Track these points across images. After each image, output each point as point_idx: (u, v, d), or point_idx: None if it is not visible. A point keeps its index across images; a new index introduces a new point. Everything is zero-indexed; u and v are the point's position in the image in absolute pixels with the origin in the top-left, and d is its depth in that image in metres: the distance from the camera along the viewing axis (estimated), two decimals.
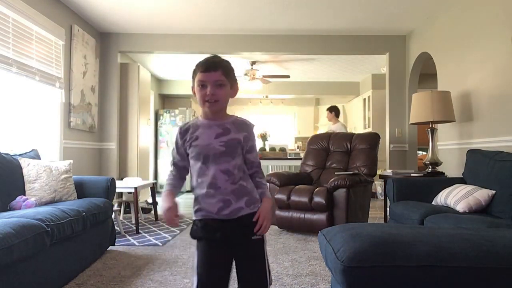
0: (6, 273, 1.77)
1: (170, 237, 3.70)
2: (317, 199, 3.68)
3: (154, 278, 2.50)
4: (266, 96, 9.31)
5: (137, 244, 3.45)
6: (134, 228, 4.00)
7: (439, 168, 3.89)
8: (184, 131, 1.39)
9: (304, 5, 4.24)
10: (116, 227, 3.48)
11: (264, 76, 7.26)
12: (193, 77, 1.37)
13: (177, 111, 8.12)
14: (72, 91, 4.33)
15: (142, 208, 5.09)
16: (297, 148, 9.46)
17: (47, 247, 2.08)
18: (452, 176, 3.62)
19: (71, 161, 3.24)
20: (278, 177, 4.10)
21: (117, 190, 3.60)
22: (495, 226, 2.10)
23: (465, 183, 3.01)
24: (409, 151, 5.21)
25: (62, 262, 2.32)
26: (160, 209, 1.36)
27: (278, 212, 3.95)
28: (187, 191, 7.55)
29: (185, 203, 6.09)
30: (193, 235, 1.38)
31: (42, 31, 3.75)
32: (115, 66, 5.22)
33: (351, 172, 3.97)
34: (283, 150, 7.44)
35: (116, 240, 3.37)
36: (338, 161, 4.44)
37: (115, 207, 3.66)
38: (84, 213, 2.57)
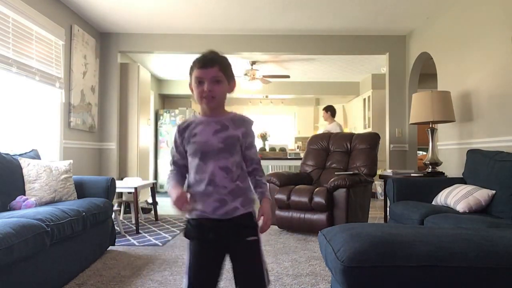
0: (6, 273, 1.77)
1: (170, 237, 3.70)
2: (317, 199, 3.68)
3: (154, 278, 2.50)
4: (266, 96, 9.31)
5: (137, 244, 3.45)
6: (134, 228, 4.00)
7: (439, 168, 3.89)
8: (182, 129, 1.38)
9: (304, 5, 4.24)
10: (116, 227, 3.48)
11: (264, 76, 7.26)
12: (190, 74, 1.36)
13: (177, 111, 8.12)
14: (72, 91, 4.33)
15: (142, 208, 5.09)
16: (297, 148, 9.46)
17: (47, 247, 2.08)
18: (452, 176, 3.62)
19: (71, 161, 3.24)
20: (278, 177, 4.10)
21: (117, 190, 3.60)
22: (495, 226, 2.10)
23: (465, 183, 3.01)
24: (409, 151, 5.21)
25: (62, 262, 2.32)
26: (169, 202, 1.32)
27: (278, 212, 3.95)
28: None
29: None
30: (186, 234, 1.37)
31: (42, 31, 3.75)
32: (115, 66, 5.22)
33: (351, 172, 3.97)
34: (283, 150, 7.44)
35: (116, 240, 3.37)
36: (338, 161, 4.44)
37: (115, 207, 3.66)
38: (84, 213, 2.57)
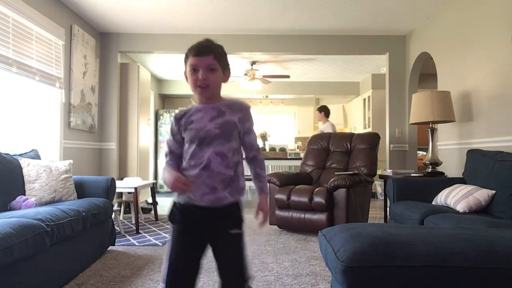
0: (6, 273, 1.77)
1: (170, 237, 3.69)
2: (317, 199, 3.68)
3: (154, 278, 2.49)
4: (266, 96, 9.31)
5: (137, 244, 3.45)
6: (134, 228, 4.00)
7: (439, 168, 3.89)
8: (179, 117, 1.38)
9: (304, 5, 4.24)
10: (116, 227, 3.48)
11: (264, 76, 7.26)
12: (185, 61, 1.37)
13: (177, 111, 8.09)
14: (72, 91, 4.33)
15: (142, 208, 5.09)
16: (297, 148, 9.46)
17: (47, 247, 2.08)
18: (452, 176, 3.62)
19: (71, 161, 3.24)
20: (278, 177, 4.10)
21: (117, 190, 3.60)
22: (495, 226, 2.10)
23: (465, 183, 3.01)
24: (409, 151, 5.21)
25: (62, 262, 2.32)
26: (165, 184, 1.32)
27: (278, 212, 3.95)
28: None
29: None
30: (170, 219, 1.37)
31: (42, 31, 3.75)
32: (115, 66, 5.22)
33: (351, 172, 3.97)
34: (283, 150, 7.44)
35: (116, 240, 3.37)
36: (338, 161, 4.44)
37: (115, 207, 3.66)
38: (84, 213, 2.57)
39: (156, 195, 4.81)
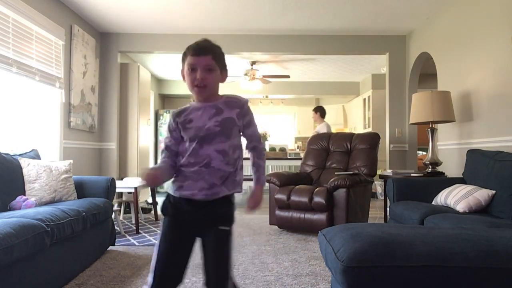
0: (6, 273, 1.77)
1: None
2: (317, 199, 3.68)
3: None
4: (266, 96, 9.30)
5: (137, 244, 3.45)
6: (134, 228, 4.00)
7: (439, 168, 3.90)
8: (177, 114, 1.39)
9: (304, 5, 4.24)
10: (116, 227, 3.48)
11: (264, 76, 7.25)
12: (183, 60, 1.37)
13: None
14: (72, 91, 4.34)
15: (142, 208, 5.09)
16: (297, 148, 9.45)
17: (47, 247, 2.08)
18: (452, 176, 3.62)
19: (71, 161, 3.24)
20: (278, 177, 4.10)
21: (117, 190, 3.60)
22: (495, 226, 2.10)
23: (465, 183, 3.01)
24: (409, 151, 5.21)
25: (62, 262, 2.32)
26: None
27: (278, 212, 3.95)
28: None
29: None
30: (162, 211, 1.39)
31: (42, 31, 3.75)
32: (115, 66, 5.22)
33: (351, 172, 3.97)
34: (283, 150, 7.44)
35: (116, 240, 3.37)
36: (338, 161, 4.44)
37: (115, 207, 3.66)
38: (84, 213, 2.57)
39: (156, 195, 4.81)
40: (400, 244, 1.36)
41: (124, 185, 4.06)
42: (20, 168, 2.81)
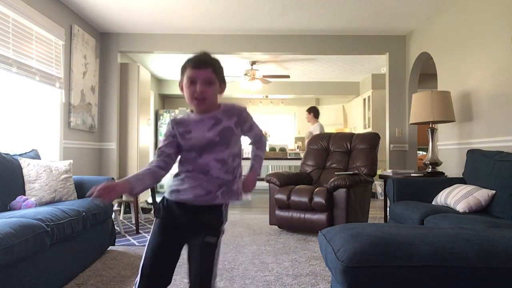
0: (6, 273, 1.77)
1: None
2: (317, 199, 3.68)
3: None
4: (266, 96, 9.30)
5: (137, 244, 3.45)
6: (134, 228, 4.00)
7: (439, 168, 3.89)
8: (177, 123, 1.39)
9: (304, 5, 4.24)
10: (116, 227, 3.48)
11: (264, 76, 7.26)
12: (182, 72, 1.38)
13: (177, 111, 8.12)
14: (72, 91, 4.34)
15: (142, 208, 5.09)
16: (297, 148, 9.45)
17: (47, 247, 2.08)
18: (452, 176, 3.62)
19: (71, 161, 3.24)
20: (278, 177, 4.10)
21: None
22: (495, 226, 2.10)
23: (465, 183, 3.01)
24: (409, 151, 5.21)
25: (62, 262, 2.32)
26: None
27: (278, 212, 3.95)
28: None
29: None
30: (155, 212, 1.41)
31: (42, 31, 3.75)
32: (115, 66, 5.22)
33: (351, 172, 3.97)
34: (283, 150, 7.44)
35: (116, 240, 3.37)
36: (338, 161, 4.44)
37: (115, 207, 3.66)
38: (84, 213, 2.57)
39: (156, 195, 4.80)
40: (400, 244, 1.36)
41: None
42: (20, 168, 2.81)
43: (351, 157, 4.39)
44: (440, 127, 4.28)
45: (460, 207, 2.63)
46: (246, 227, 4.19)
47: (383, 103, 6.02)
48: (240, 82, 7.51)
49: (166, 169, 1.37)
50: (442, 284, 1.28)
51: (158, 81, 8.37)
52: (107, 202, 1.29)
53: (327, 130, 7.85)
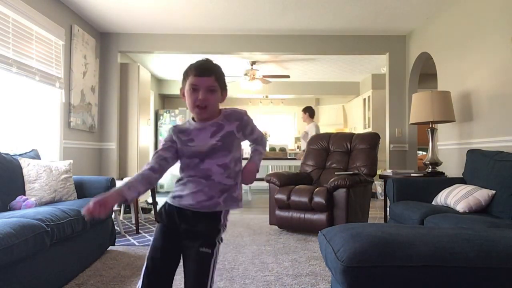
0: (6, 273, 1.77)
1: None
2: (317, 199, 3.68)
3: None
4: (266, 96, 9.31)
5: (137, 244, 3.45)
6: (134, 228, 4.00)
7: (439, 168, 3.89)
8: (179, 130, 1.39)
9: (304, 5, 4.24)
10: (116, 227, 3.48)
11: (264, 76, 7.25)
12: (184, 79, 1.37)
13: (177, 111, 8.12)
14: (72, 91, 4.34)
15: (142, 208, 5.09)
16: (297, 148, 9.46)
17: (47, 247, 2.08)
18: (452, 176, 3.62)
19: (71, 161, 3.24)
20: (278, 177, 4.10)
21: None
22: (495, 226, 2.10)
23: (465, 183, 3.01)
24: (409, 151, 5.21)
25: (62, 262, 2.32)
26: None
27: (278, 212, 3.95)
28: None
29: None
30: (157, 217, 1.41)
31: (42, 31, 3.75)
32: (115, 66, 5.22)
33: (351, 172, 3.97)
34: (283, 150, 7.44)
35: (116, 240, 3.37)
36: (338, 161, 4.44)
37: (115, 207, 3.66)
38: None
39: (156, 195, 4.80)
40: (400, 244, 1.36)
41: None
42: (20, 168, 2.81)
43: (351, 157, 4.39)
44: (440, 127, 4.28)
45: (460, 207, 2.63)
46: (246, 227, 4.19)
47: (383, 103, 6.02)
48: (240, 82, 7.51)
49: (161, 172, 1.36)
50: (442, 284, 1.28)
51: (158, 81, 8.37)
52: (103, 217, 1.27)
53: (327, 130, 7.86)
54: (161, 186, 7.89)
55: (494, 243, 1.38)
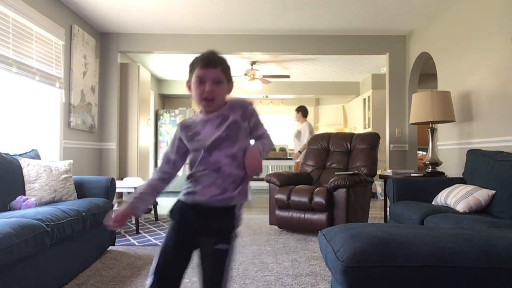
0: (6, 273, 1.77)
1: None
2: (317, 199, 3.68)
3: None
4: (266, 96, 9.31)
5: (137, 244, 3.45)
6: (134, 228, 4.00)
7: (439, 168, 3.89)
8: (185, 126, 1.39)
9: (304, 5, 4.24)
10: None
11: (264, 76, 7.26)
12: (191, 71, 1.36)
13: (177, 111, 8.12)
14: (72, 91, 4.34)
15: None
16: None
17: (47, 247, 2.08)
18: (452, 176, 3.62)
19: (71, 161, 3.24)
20: (278, 177, 4.10)
21: (117, 190, 3.60)
22: (495, 226, 2.10)
23: (465, 183, 3.01)
24: (409, 151, 5.21)
25: (62, 262, 2.32)
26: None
27: (278, 212, 3.95)
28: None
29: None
30: (169, 214, 1.39)
31: (42, 31, 3.75)
32: (115, 66, 5.22)
33: (351, 172, 3.97)
34: (283, 150, 7.44)
35: (116, 240, 3.37)
36: (338, 161, 4.44)
37: (115, 207, 3.66)
38: (84, 213, 2.57)
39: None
40: (400, 244, 1.36)
41: (124, 185, 4.07)
42: (20, 168, 2.81)
43: (351, 157, 4.40)
44: (440, 127, 4.28)
45: (460, 207, 2.63)
46: (246, 227, 4.19)
47: (383, 103, 6.02)
48: (240, 82, 7.51)
49: (169, 180, 1.40)
50: (442, 284, 1.28)
51: (158, 81, 8.37)
52: (120, 229, 1.35)
53: (327, 130, 7.86)
54: None
55: (494, 243, 1.38)
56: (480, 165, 2.95)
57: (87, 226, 2.60)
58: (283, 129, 10.12)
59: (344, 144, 4.53)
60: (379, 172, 4.58)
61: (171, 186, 1.45)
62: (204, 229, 1.32)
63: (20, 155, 2.96)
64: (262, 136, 1.40)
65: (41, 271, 2.07)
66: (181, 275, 1.34)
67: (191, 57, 1.39)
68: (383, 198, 4.92)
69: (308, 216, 3.76)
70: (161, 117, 8.12)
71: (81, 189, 3.16)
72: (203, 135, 1.34)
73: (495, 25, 3.27)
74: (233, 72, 1.43)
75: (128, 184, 4.09)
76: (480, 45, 3.50)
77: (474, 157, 3.11)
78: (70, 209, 2.47)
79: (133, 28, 5.03)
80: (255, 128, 1.39)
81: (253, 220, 4.64)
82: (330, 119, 9.60)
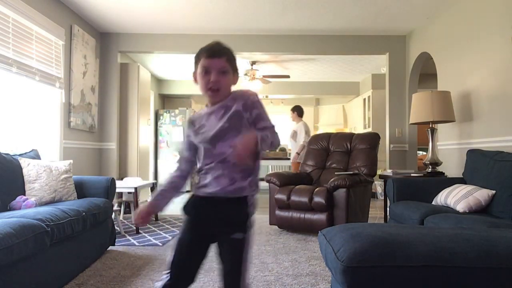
0: (6, 273, 1.77)
1: (170, 237, 3.70)
2: (317, 199, 3.68)
3: (154, 278, 2.50)
4: (266, 96, 9.30)
5: (137, 244, 3.45)
6: (134, 228, 4.00)
7: (439, 168, 3.89)
8: (192, 122, 1.41)
9: (304, 5, 4.23)
10: (116, 227, 3.47)
11: (264, 76, 7.25)
12: (196, 62, 1.36)
13: (177, 111, 8.12)
14: (72, 91, 4.33)
15: None
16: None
17: (47, 247, 2.08)
18: (452, 176, 3.62)
19: (71, 161, 3.24)
20: (278, 177, 4.10)
21: (117, 190, 3.60)
22: (495, 226, 2.10)
23: (465, 183, 3.01)
24: (409, 151, 5.21)
25: (62, 262, 2.32)
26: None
27: (278, 212, 3.95)
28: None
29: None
30: (183, 209, 1.40)
31: (42, 31, 3.75)
32: (115, 66, 5.22)
33: (351, 172, 3.97)
34: (283, 150, 7.44)
35: (116, 240, 3.37)
36: (338, 161, 4.44)
37: (115, 207, 3.66)
38: (84, 213, 2.57)
39: None
40: (400, 244, 1.36)
41: (124, 185, 4.07)
42: (20, 168, 2.81)
43: (351, 157, 4.40)
44: (440, 127, 4.28)
45: (460, 207, 2.63)
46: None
47: (383, 103, 6.02)
48: (240, 82, 7.50)
49: (187, 177, 1.44)
50: (442, 284, 1.28)
51: (158, 81, 8.37)
52: (145, 225, 1.44)
53: (327, 130, 7.86)
54: (161, 185, 7.87)
55: (494, 243, 1.38)
56: (480, 165, 2.95)
57: (87, 226, 2.60)
58: (283, 129, 10.11)
59: (344, 144, 4.53)
60: (379, 172, 4.58)
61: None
62: (219, 220, 1.33)
63: (20, 155, 2.96)
64: (264, 130, 1.34)
65: (41, 271, 2.07)
66: (197, 270, 1.36)
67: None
68: (383, 198, 4.91)
69: (308, 216, 3.76)
70: (161, 117, 8.12)
71: (81, 189, 3.16)
72: (208, 127, 1.35)
73: (495, 25, 3.27)
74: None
75: (128, 184, 4.09)
76: (480, 45, 3.50)
77: (474, 157, 3.11)
78: (70, 209, 2.47)
79: (133, 28, 5.03)
80: (258, 121, 1.35)
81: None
82: (330, 119, 9.60)
